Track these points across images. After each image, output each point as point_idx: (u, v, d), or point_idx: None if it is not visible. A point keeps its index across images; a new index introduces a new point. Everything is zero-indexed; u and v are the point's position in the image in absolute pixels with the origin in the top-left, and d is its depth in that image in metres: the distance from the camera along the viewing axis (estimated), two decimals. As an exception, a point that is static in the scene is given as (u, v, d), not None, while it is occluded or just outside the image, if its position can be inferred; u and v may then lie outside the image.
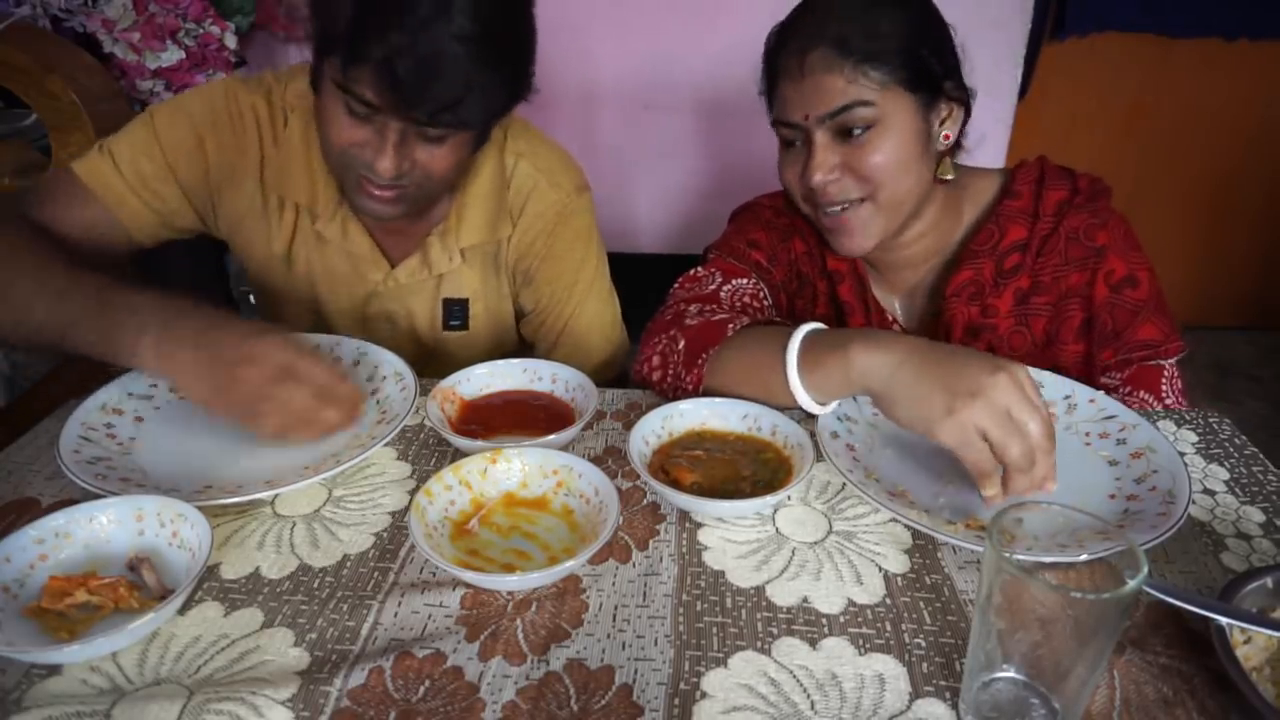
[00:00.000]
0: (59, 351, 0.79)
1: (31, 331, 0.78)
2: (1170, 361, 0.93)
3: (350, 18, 0.75)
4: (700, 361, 0.84)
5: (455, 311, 1.07)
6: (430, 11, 0.75)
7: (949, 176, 0.92)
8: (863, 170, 0.86)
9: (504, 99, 0.86)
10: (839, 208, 0.89)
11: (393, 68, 0.75)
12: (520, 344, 1.16)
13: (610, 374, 1.12)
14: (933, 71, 0.85)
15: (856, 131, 0.84)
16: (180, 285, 0.78)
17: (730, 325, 0.86)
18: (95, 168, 0.91)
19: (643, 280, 1.27)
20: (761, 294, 1.02)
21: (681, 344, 0.86)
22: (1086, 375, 0.93)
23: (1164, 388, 0.93)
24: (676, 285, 1.01)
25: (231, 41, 1.87)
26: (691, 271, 1.02)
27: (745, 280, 1.00)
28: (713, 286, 0.99)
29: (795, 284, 1.05)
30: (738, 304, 0.98)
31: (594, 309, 1.09)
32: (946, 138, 0.90)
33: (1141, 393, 0.92)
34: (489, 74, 0.80)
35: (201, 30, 1.82)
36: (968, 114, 0.91)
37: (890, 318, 1.02)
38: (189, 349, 0.71)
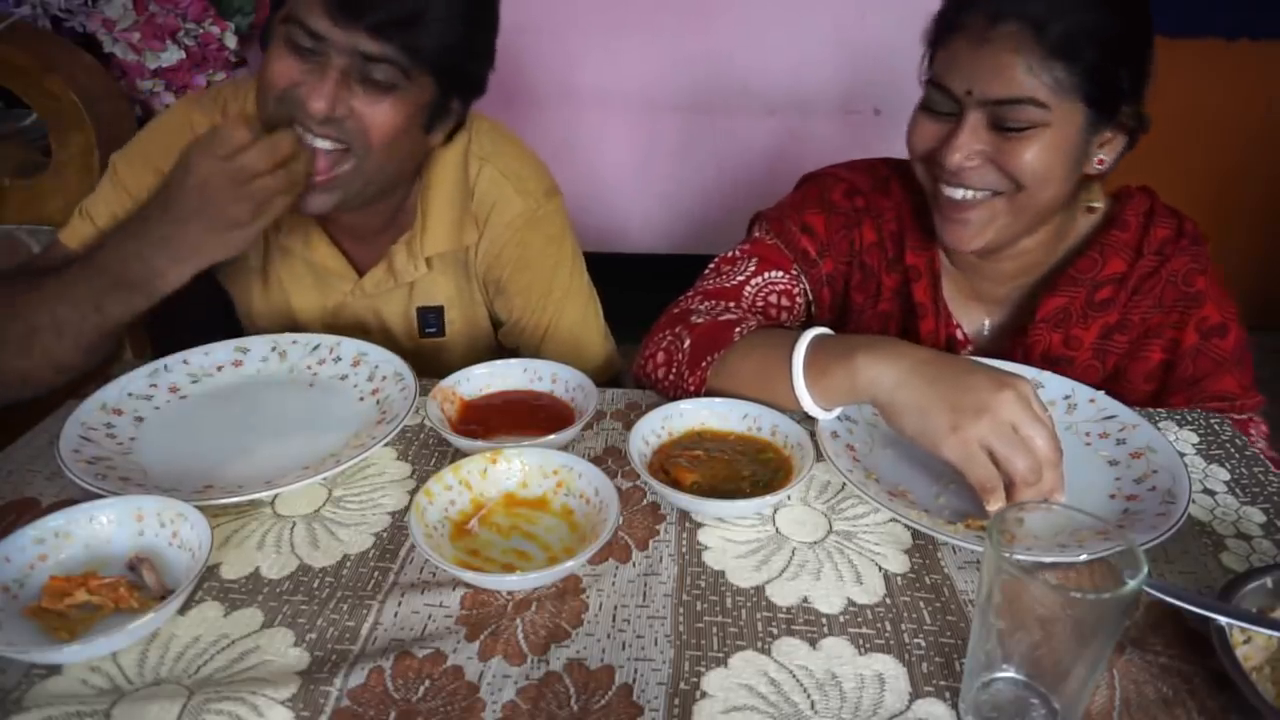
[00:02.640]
0: (87, 353, 0.85)
1: (55, 336, 0.82)
2: (1246, 416, 0.89)
3: None
4: (705, 364, 0.83)
5: (430, 319, 1.05)
6: None
7: (1097, 204, 0.87)
8: (1009, 167, 0.79)
9: (459, 43, 0.83)
10: (966, 194, 0.83)
11: None
12: (499, 349, 1.14)
13: (600, 379, 1.10)
14: (1119, 91, 0.78)
15: (1017, 127, 0.78)
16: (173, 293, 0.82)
17: (737, 329, 0.84)
18: (77, 232, 0.94)
19: (639, 280, 1.26)
20: (797, 290, 0.97)
21: (687, 343, 0.85)
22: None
23: (1254, 435, 0.89)
24: (710, 267, 0.98)
25: (231, 41, 1.87)
26: (729, 253, 0.99)
27: (781, 274, 0.96)
28: (740, 278, 0.95)
29: (857, 276, 0.99)
30: (760, 302, 0.95)
31: (573, 315, 1.06)
32: (1100, 163, 0.83)
33: None
34: (448, 5, 0.79)
35: (201, 30, 1.82)
36: (1131, 144, 0.84)
37: (955, 323, 0.96)
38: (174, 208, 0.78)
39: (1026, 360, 0.90)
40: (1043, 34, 0.74)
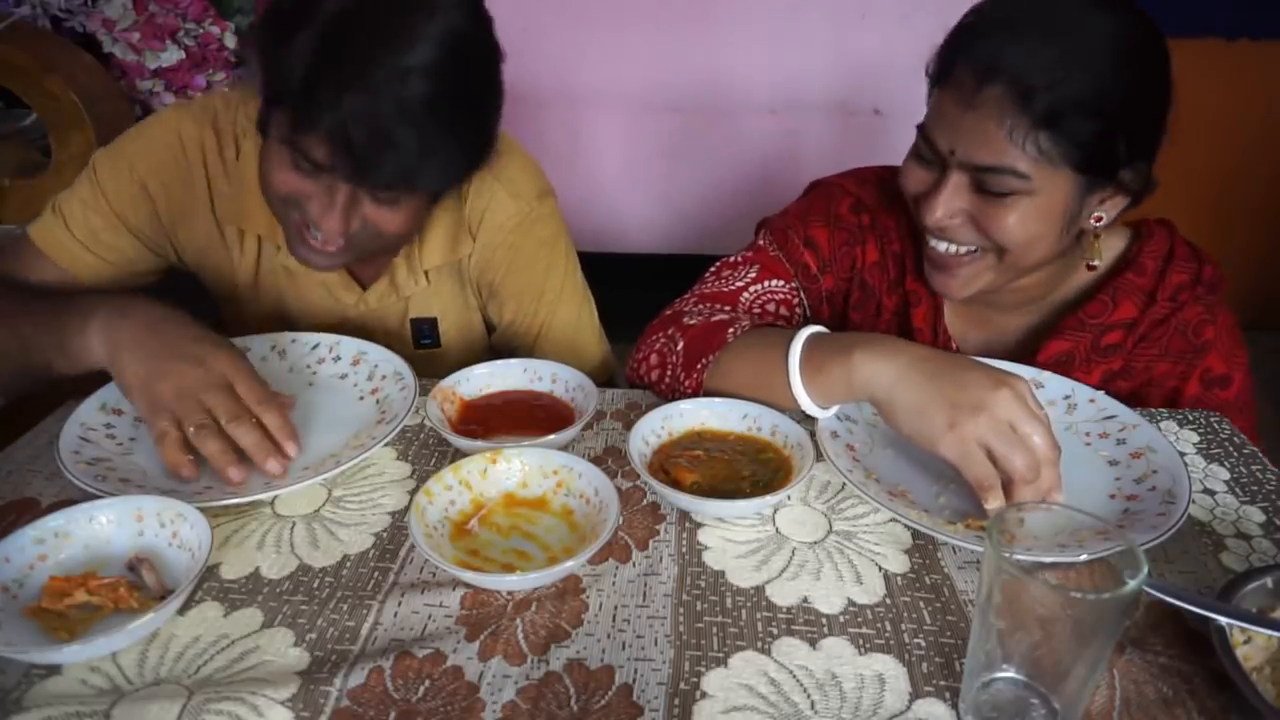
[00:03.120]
0: (22, 383, 0.81)
1: (9, 370, 0.79)
2: None
3: (302, 77, 0.70)
4: (700, 366, 0.83)
5: (425, 330, 1.04)
6: (387, 74, 0.70)
7: (1095, 262, 0.84)
8: (990, 231, 0.77)
9: (463, 165, 0.82)
10: (954, 248, 0.81)
11: (346, 134, 0.71)
12: (493, 354, 1.13)
13: (594, 383, 1.10)
14: (1115, 159, 0.74)
15: (997, 190, 0.75)
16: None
17: (731, 329, 0.84)
18: (47, 230, 0.91)
19: (644, 282, 1.26)
20: (796, 301, 0.96)
21: (680, 345, 0.85)
22: None
23: None
24: (711, 271, 0.98)
25: (231, 41, 1.87)
26: (731, 258, 0.97)
27: (782, 283, 0.95)
28: (739, 284, 0.95)
29: (856, 295, 0.97)
30: (757, 309, 0.94)
31: (566, 318, 1.05)
32: (1097, 219, 0.79)
33: None
34: (448, 140, 0.76)
35: (201, 30, 1.82)
36: (1135, 203, 0.80)
37: (955, 349, 0.94)
38: (140, 329, 0.72)
39: None
40: (1029, 103, 0.70)
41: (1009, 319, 0.94)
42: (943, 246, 0.82)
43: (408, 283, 0.99)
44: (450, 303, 1.04)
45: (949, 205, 0.78)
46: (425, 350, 1.06)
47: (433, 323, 1.04)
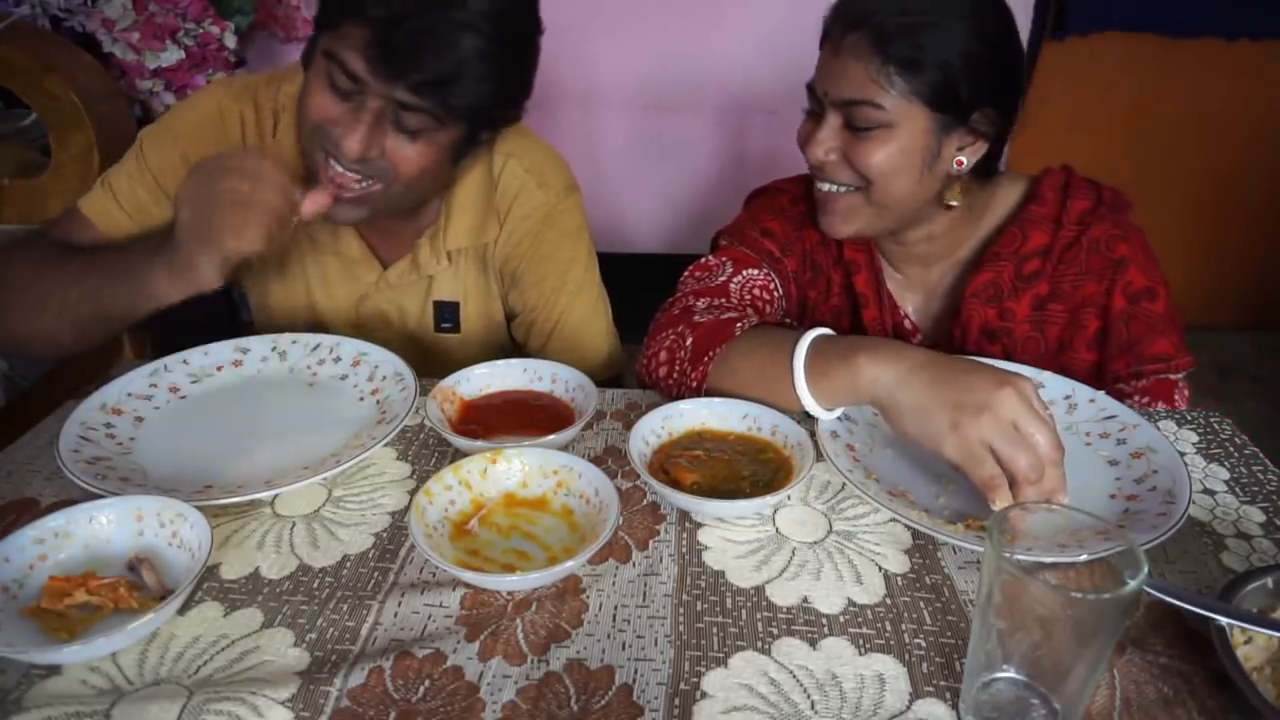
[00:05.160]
0: (93, 334, 0.86)
1: (68, 315, 0.84)
2: (1180, 375, 0.93)
3: None
4: (706, 359, 0.83)
5: (446, 314, 1.06)
6: None
7: (953, 203, 0.90)
8: (857, 163, 0.86)
9: (493, 97, 0.84)
10: (830, 187, 0.90)
11: (389, 30, 0.74)
12: (513, 345, 1.15)
13: (603, 376, 1.11)
14: (961, 99, 0.83)
15: (864, 126, 0.84)
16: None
17: (738, 325, 0.86)
18: (98, 202, 0.95)
19: (642, 281, 1.26)
20: (773, 285, 1.01)
21: (690, 340, 0.86)
22: (1095, 384, 0.93)
23: (1176, 399, 0.93)
24: (686, 274, 1.00)
25: (231, 41, 1.87)
26: (702, 260, 1.01)
27: (756, 271, 1.00)
28: (723, 278, 0.98)
29: (809, 274, 1.04)
30: (747, 297, 0.98)
31: (584, 310, 1.08)
32: (959, 163, 0.87)
33: (1159, 404, 0.92)
34: (485, 65, 0.79)
35: (201, 30, 1.82)
36: (999, 144, 0.89)
37: (903, 313, 1.02)
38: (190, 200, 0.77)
39: (965, 336, 0.96)
40: (882, 45, 0.80)
41: (937, 273, 1.01)
42: (826, 187, 0.91)
43: (430, 263, 1.01)
44: (473, 289, 1.06)
45: (825, 143, 0.87)
46: (444, 334, 1.08)
47: (454, 307, 1.06)
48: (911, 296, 1.03)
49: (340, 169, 0.83)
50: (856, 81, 0.83)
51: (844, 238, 0.95)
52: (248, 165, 0.77)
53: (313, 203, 0.81)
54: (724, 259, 1.00)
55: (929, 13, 0.81)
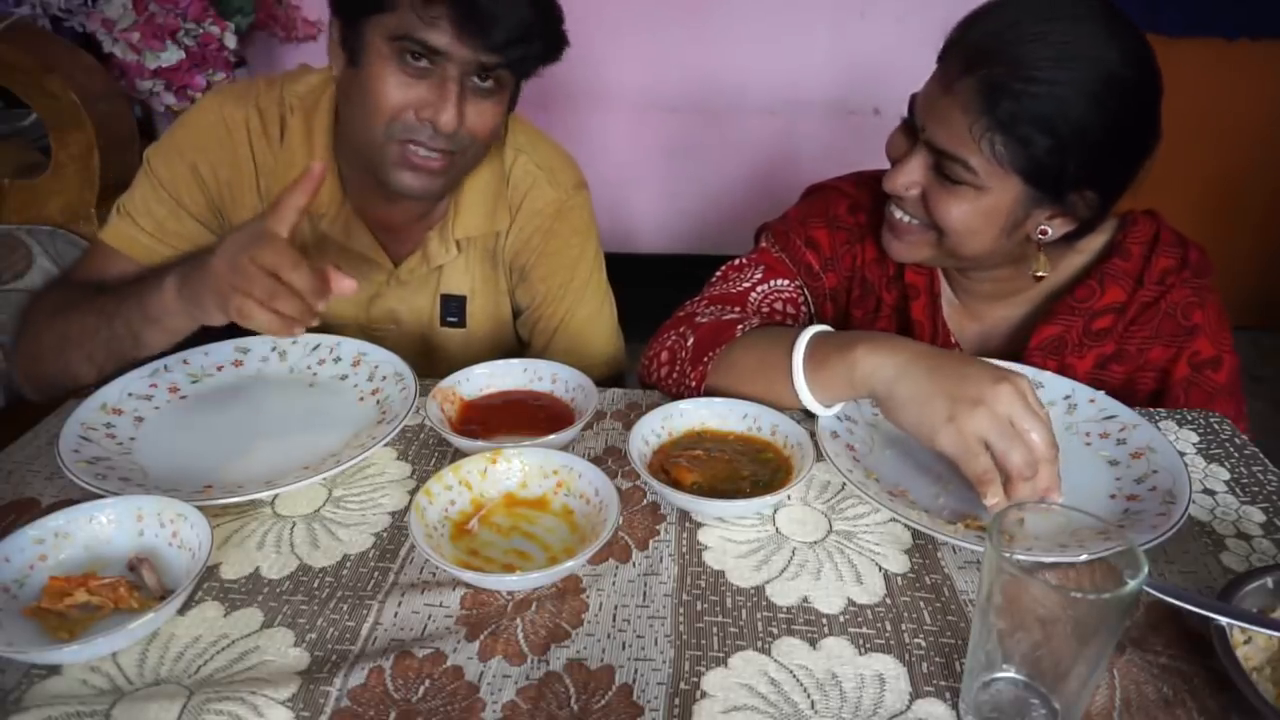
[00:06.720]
0: (108, 364, 0.86)
1: (103, 353, 0.84)
2: None
3: None
4: (707, 359, 0.84)
5: (453, 308, 1.07)
6: None
7: (1041, 274, 0.86)
8: (934, 211, 0.81)
9: (549, 47, 0.87)
10: (904, 216, 0.85)
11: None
12: (519, 343, 1.16)
13: (606, 374, 1.11)
14: (1062, 182, 0.77)
15: (952, 179, 0.79)
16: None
17: (740, 326, 0.85)
18: (119, 230, 0.95)
19: (646, 281, 1.26)
20: (801, 299, 0.98)
21: (691, 340, 0.86)
22: None
23: None
24: (718, 274, 1.00)
25: (231, 41, 1.87)
26: (736, 260, 1.00)
27: (787, 282, 0.97)
28: (745, 285, 0.96)
29: (857, 291, 0.99)
30: (765, 309, 0.96)
31: (590, 307, 1.09)
32: (1042, 233, 0.82)
33: None
34: (541, 19, 0.83)
35: (201, 30, 1.82)
36: (1082, 232, 0.83)
37: (955, 344, 0.96)
38: (199, 262, 0.75)
39: None
40: (992, 102, 0.73)
41: (1002, 310, 0.96)
42: (898, 214, 0.86)
43: (439, 253, 1.02)
44: (482, 282, 1.07)
45: (908, 177, 0.82)
46: (450, 329, 1.08)
47: (461, 301, 1.06)
48: (970, 326, 0.98)
49: (425, 153, 0.85)
50: (956, 134, 0.76)
51: (906, 263, 0.90)
52: (284, 268, 0.71)
53: (345, 287, 0.75)
54: (757, 263, 0.98)
55: (1047, 68, 0.72)
